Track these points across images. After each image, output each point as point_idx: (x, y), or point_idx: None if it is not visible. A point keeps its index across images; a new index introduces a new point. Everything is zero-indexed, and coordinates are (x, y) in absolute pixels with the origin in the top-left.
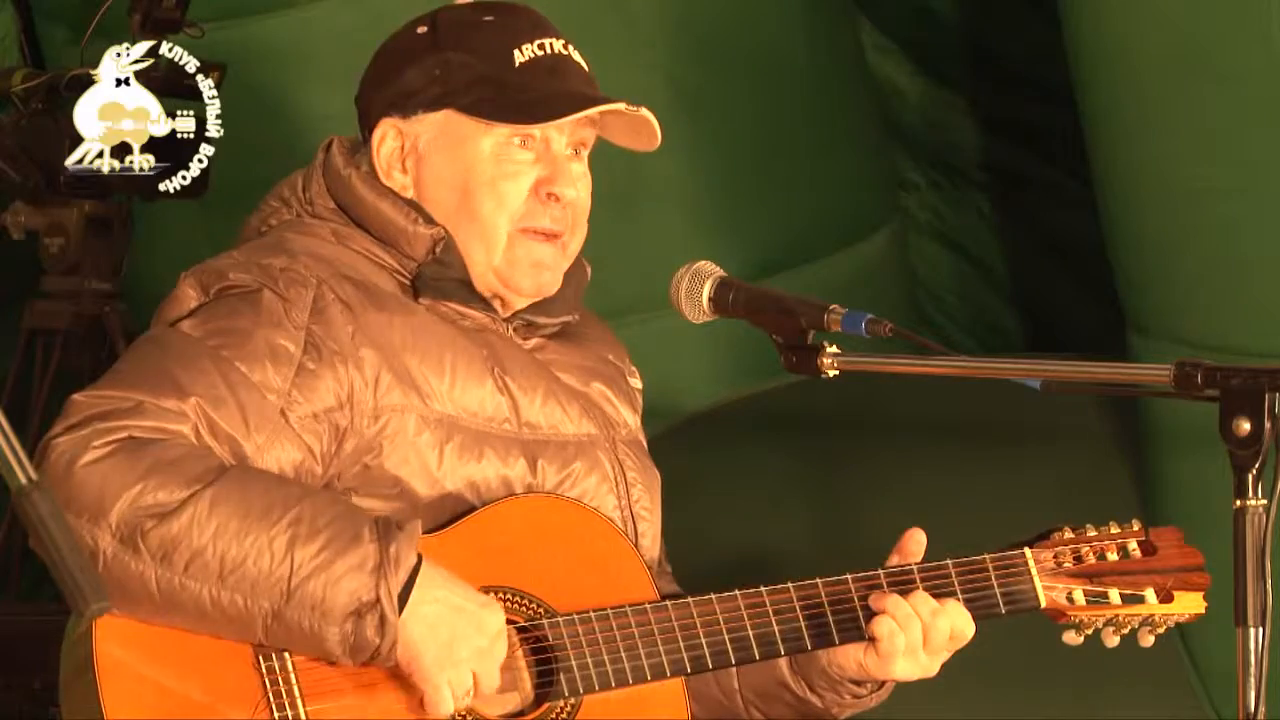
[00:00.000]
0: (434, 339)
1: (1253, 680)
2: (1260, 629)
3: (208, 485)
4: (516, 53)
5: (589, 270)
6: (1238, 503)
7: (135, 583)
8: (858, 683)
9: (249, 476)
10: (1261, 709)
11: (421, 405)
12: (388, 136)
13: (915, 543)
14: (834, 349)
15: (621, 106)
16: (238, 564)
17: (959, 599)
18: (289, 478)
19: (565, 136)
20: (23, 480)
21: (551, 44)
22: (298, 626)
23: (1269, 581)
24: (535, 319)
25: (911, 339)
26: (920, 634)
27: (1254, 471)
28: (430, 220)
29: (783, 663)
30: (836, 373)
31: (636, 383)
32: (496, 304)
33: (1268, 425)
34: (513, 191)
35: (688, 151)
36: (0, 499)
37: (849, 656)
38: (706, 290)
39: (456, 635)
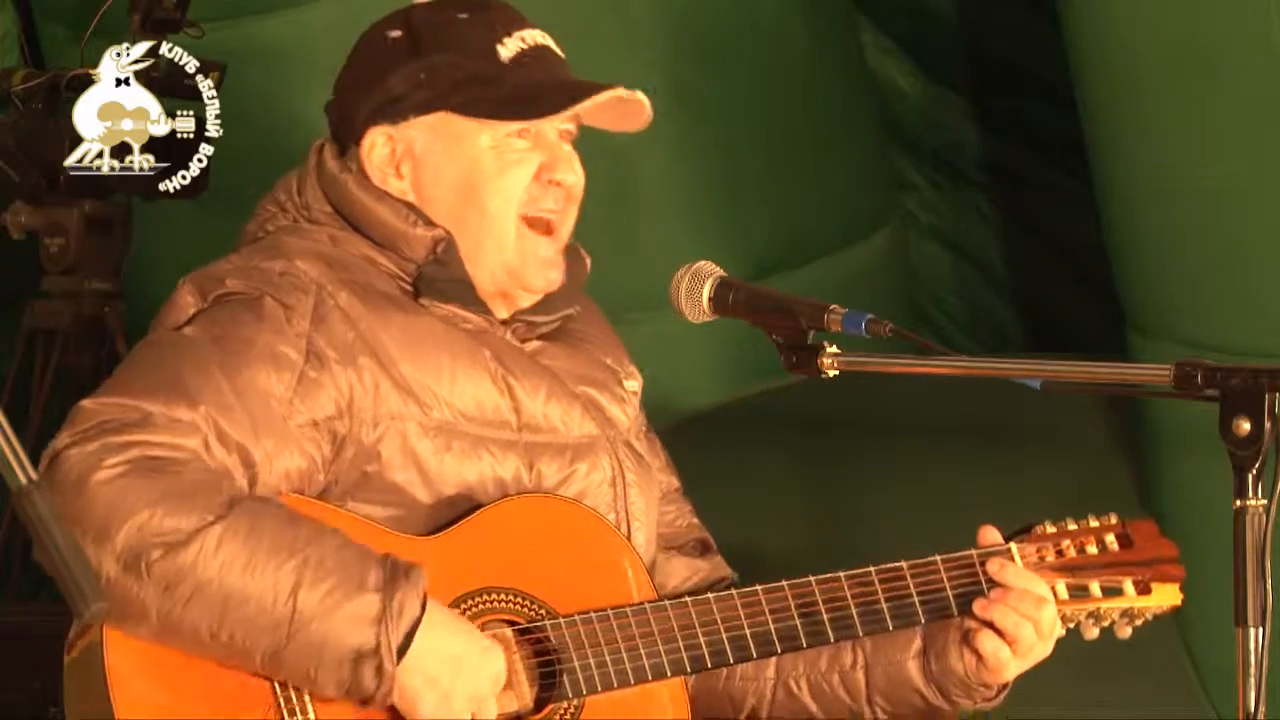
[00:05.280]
0: (433, 341)
1: (1253, 680)
2: (1260, 629)
3: (218, 519)
4: (500, 47)
5: (588, 262)
6: (1238, 503)
7: (135, 607)
8: (987, 684)
9: (260, 512)
10: (1261, 709)
11: (420, 414)
12: (377, 144)
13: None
14: (834, 349)
15: (621, 91)
16: (241, 603)
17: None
18: (299, 516)
19: (558, 123)
20: (23, 480)
21: (530, 35)
22: (294, 668)
23: (1269, 581)
24: (533, 318)
25: (911, 339)
26: (1033, 634)
27: (1254, 471)
28: (429, 222)
29: (916, 671)
30: (836, 373)
31: (634, 385)
32: (498, 303)
33: (1268, 425)
34: (517, 181)
35: (688, 151)
36: (0, 499)
37: (979, 668)
38: (706, 290)
39: (455, 687)
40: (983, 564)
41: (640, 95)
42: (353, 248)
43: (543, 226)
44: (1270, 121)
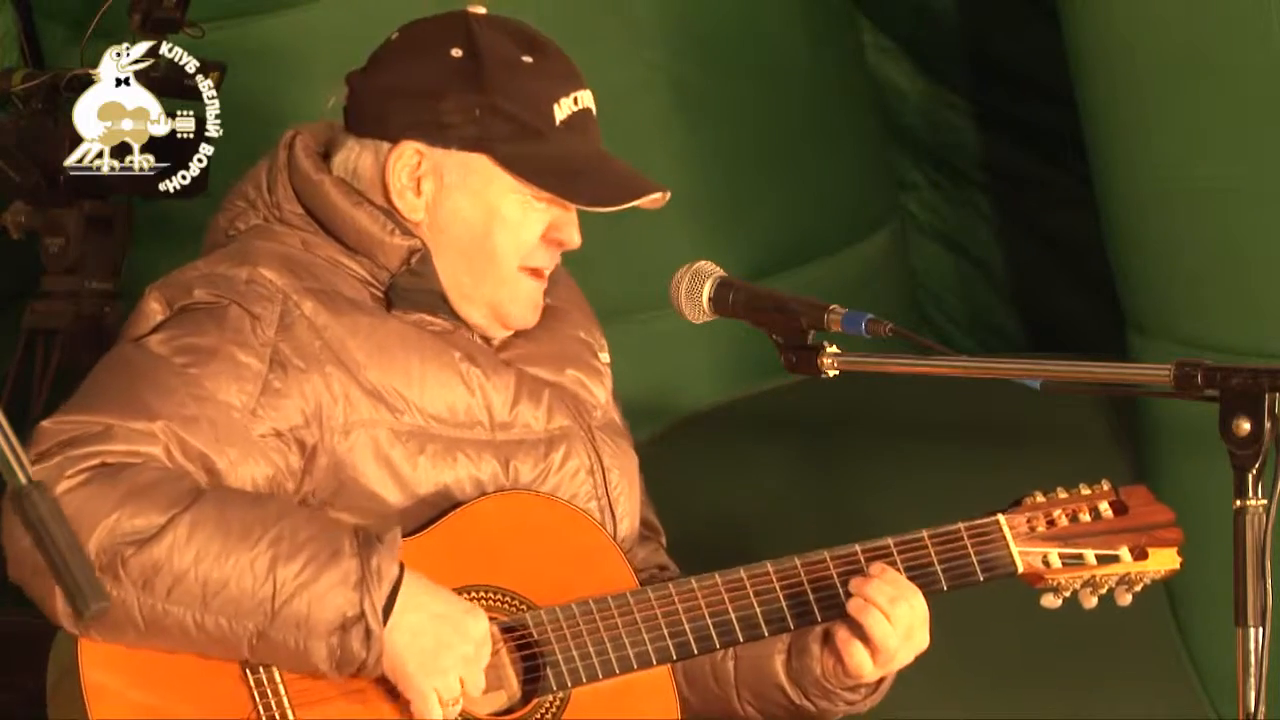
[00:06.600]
0: (401, 346)
1: (1253, 680)
2: (1260, 629)
3: (185, 509)
4: (556, 108)
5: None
6: (1238, 503)
7: (118, 610)
8: (851, 688)
9: (226, 497)
10: (1261, 709)
11: (392, 419)
12: (405, 154)
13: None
14: (834, 349)
15: (658, 196)
16: (220, 587)
17: (900, 570)
18: (265, 495)
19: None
20: (23, 480)
21: (581, 97)
22: (283, 645)
23: (1269, 581)
24: None
25: (911, 339)
26: (885, 628)
27: (1254, 471)
28: (406, 231)
29: (779, 666)
30: (836, 373)
31: (605, 357)
32: (477, 319)
33: (1268, 425)
34: (531, 236)
35: (688, 151)
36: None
37: (836, 669)
38: (706, 290)
39: (441, 643)
40: (974, 535)
41: (667, 196)
42: (323, 252)
43: (536, 273)
44: (1270, 121)
